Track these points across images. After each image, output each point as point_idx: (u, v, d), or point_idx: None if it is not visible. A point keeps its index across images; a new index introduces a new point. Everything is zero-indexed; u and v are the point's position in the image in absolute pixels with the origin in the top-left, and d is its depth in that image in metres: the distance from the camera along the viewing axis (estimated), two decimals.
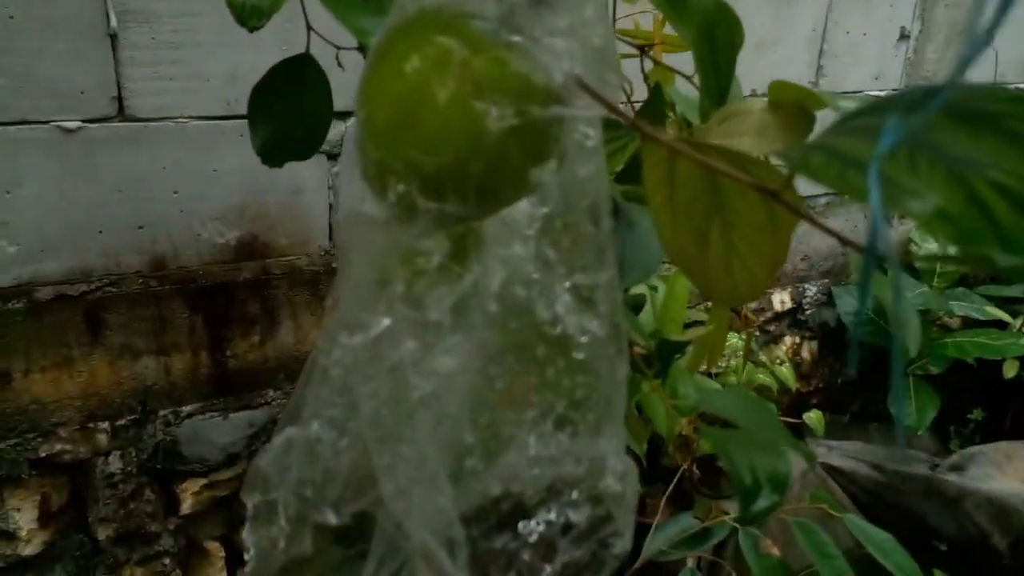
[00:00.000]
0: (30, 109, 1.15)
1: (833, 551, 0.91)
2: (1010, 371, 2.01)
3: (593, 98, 0.22)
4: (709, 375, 1.65)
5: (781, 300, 2.00)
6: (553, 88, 0.21)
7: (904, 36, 2.00)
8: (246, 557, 0.28)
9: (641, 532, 1.07)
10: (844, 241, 0.20)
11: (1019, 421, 2.17)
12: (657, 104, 0.48)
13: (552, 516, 0.25)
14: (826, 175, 0.17)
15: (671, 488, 1.09)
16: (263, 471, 0.29)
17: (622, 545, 0.26)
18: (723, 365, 1.63)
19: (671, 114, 0.72)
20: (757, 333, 1.94)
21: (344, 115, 1.30)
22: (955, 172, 0.17)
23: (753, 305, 1.95)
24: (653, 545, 0.98)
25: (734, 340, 1.68)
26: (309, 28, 0.48)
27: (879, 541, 0.91)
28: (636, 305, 0.68)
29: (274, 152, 0.45)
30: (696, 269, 0.30)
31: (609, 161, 0.44)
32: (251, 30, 0.45)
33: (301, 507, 0.27)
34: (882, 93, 2.01)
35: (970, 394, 2.16)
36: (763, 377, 1.64)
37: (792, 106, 0.39)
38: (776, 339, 2.01)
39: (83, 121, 1.19)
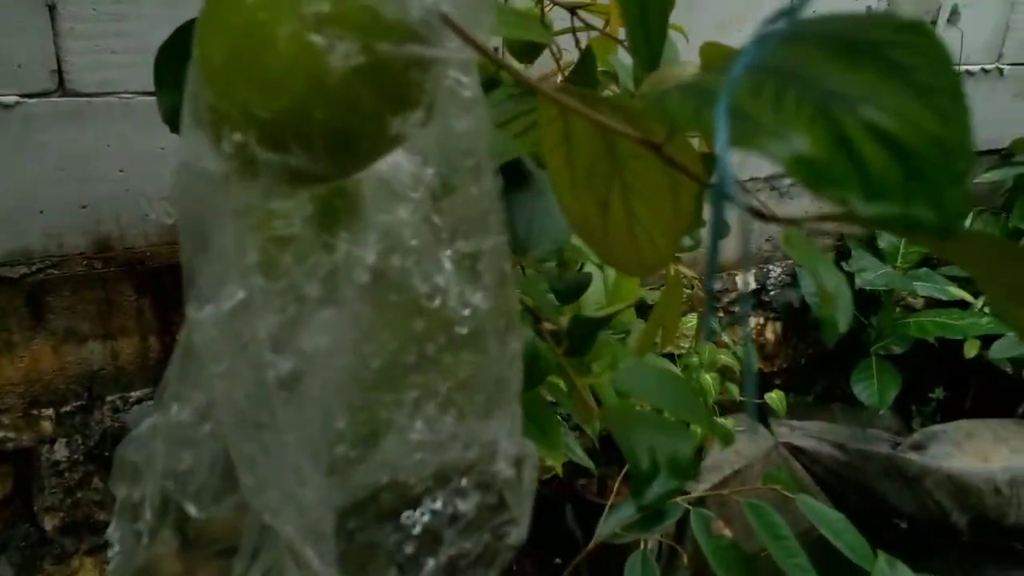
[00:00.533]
0: None
1: (785, 532, 0.90)
2: (971, 351, 2.03)
3: (462, 39, 0.19)
4: (671, 357, 1.64)
5: (744, 281, 2.00)
6: (410, 25, 0.19)
7: None
8: (110, 554, 0.26)
9: (598, 513, 1.06)
10: (698, 179, 0.18)
11: (980, 400, 2.19)
12: (588, 68, 0.46)
13: (438, 505, 0.23)
14: (682, 115, 0.15)
15: (626, 469, 1.08)
16: (129, 460, 0.27)
17: (518, 534, 0.24)
18: (685, 346, 1.63)
19: (614, 86, 0.70)
20: (721, 314, 1.94)
21: None
22: (823, 109, 0.15)
23: (716, 286, 1.94)
24: (606, 527, 0.97)
25: (695, 322, 1.68)
26: None
27: (831, 521, 0.90)
28: (582, 284, 0.66)
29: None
30: (598, 238, 0.28)
31: (532, 132, 0.42)
32: None
33: (164, 500, 0.25)
34: None
35: (932, 373, 2.18)
36: (725, 358, 1.63)
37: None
38: (740, 320, 2.01)
39: (21, 96, 1.14)
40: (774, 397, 1.70)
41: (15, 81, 1.13)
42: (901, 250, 2.12)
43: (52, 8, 1.13)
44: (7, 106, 1.13)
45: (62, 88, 1.17)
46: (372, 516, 0.23)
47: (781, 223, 0.21)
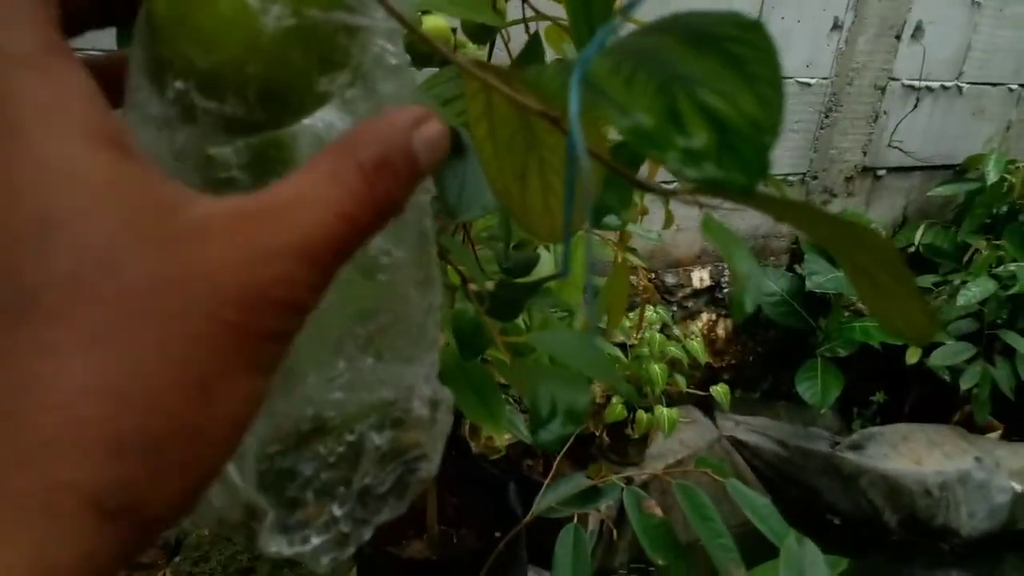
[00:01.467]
0: None
1: (712, 515, 0.94)
2: (912, 357, 2.11)
3: (386, 10, 0.22)
4: (624, 348, 1.68)
5: (700, 277, 2.05)
6: None
7: (837, 26, 2.05)
8: None
9: (537, 488, 1.09)
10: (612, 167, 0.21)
11: (918, 405, 2.27)
12: (534, 55, 0.49)
13: (353, 438, 0.24)
14: (551, 87, 0.18)
15: (564, 449, 1.12)
16: None
17: (428, 469, 0.26)
18: (638, 337, 1.67)
19: None
20: (675, 308, 1.98)
21: None
22: (666, 88, 0.18)
23: (672, 280, 1.99)
24: (544, 501, 1.00)
25: (650, 313, 1.72)
26: None
27: (757, 506, 0.94)
28: (530, 263, 0.69)
29: None
30: (518, 207, 0.31)
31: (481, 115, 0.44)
32: None
33: None
34: (812, 81, 2.06)
35: (874, 377, 2.25)
36: (674, 350, 1.68)
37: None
38: (693, 315, 2.06)
39: None
40: (719, 390, 1.75)
41: None
42: None
43: None
44: None
45: None
46: (292, 443, 0.24)
47: (656, 192, 0.24)
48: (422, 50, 0.43)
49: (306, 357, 0.24)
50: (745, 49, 0.19)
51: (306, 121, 0.23)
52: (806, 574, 0.77)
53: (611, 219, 0.44)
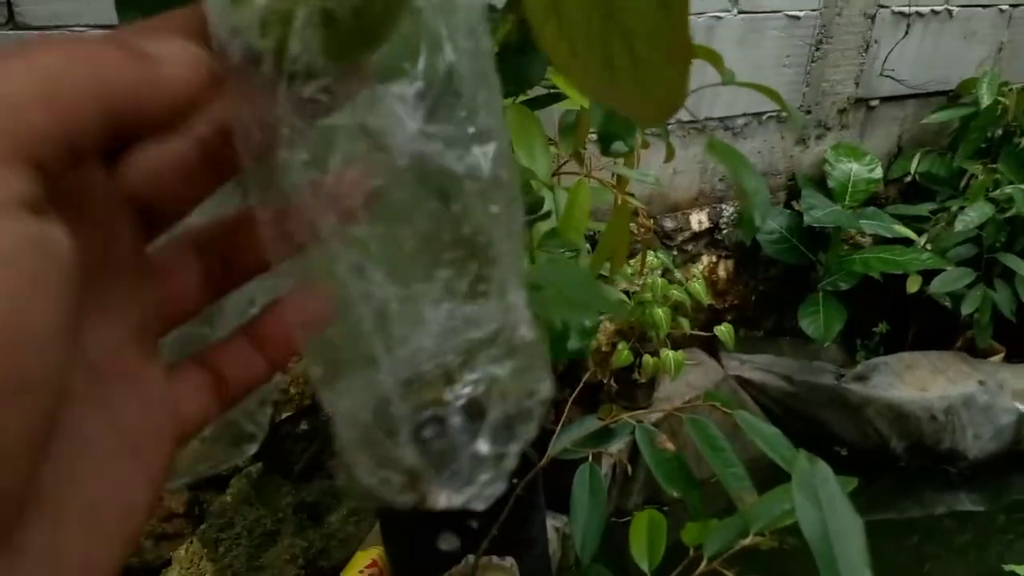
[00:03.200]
0: None
1: (723, 445, 0.96)
2: (913, 286, 2.12)
3: None
4: (627, 294, 1.69)
5: (699, 220, 2.05)
6: None
7: None
8: None
9: (550, 436, 1.11)
10: None
11: (921, 333, 2.29)
12: None
13: (476, 376, 0.24)
14: None
15: (574, 395, 1.13)
16: None
17: (545, 388, 0.25)
18: (640, 283, 1.68)
19: None
20: (675, 253, 1.99)
21: None
22: None
23: (670, 224, 2.00)
24: (558, 444, 1.02)
25: (651, 258, 1.72)
26: None
27: (767, 435, 0.96)
28: (535, 205, 0.69)
29: None
30: (613, 95, 0.29)
31: None
32: None
33: None
34: (801, 14, 2.03)
35: (876, 308, 2.27)
36: (677, 293, 1.69)
37: None
38: (694, 258, 2.07)
39: None
40: (723, 330, 1.77)
41: None
42: (849, 189, 2.19)
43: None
44: None
45: (12, 21, 1.16)
46: (422, 399, 0.24)
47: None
48: None
49: (406, 313, 0.23)
50: None
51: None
52: (819, 491, 0.79)
53: (618, 145, 0.44)
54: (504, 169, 0.24)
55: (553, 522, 1.49)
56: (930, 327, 2.27)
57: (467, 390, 0.24)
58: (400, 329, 0.23)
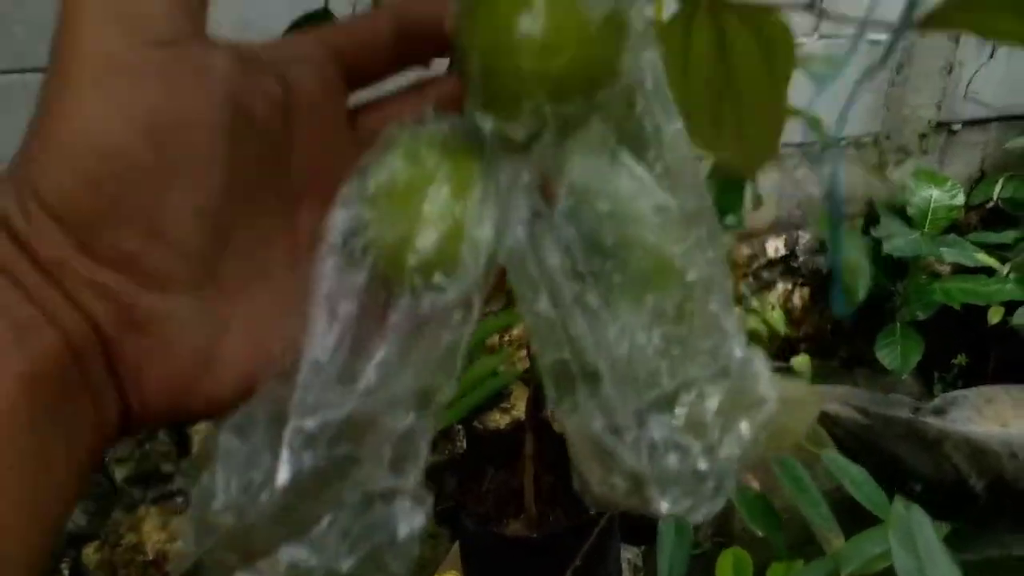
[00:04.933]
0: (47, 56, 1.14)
1: (808, 485, 0.96)
2: (995, 317, 2.06)
3: None
4: None
5: (775, 247, 2.03)
6: None
7: None
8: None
9: None
10: None
11: (1001, 366, 2.22)
12: None
13: (692, 397, 0.26)
14: None
15: None
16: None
17: (769, 408, 0.27)
18: None
19: None
20: (751, 279, 1.97)
21: None
22: None
23: (747, 251, 1.98)
24: None
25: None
26: None
27: (853, 475, 0.96)
28: None
29: None
30: (718, 146, 0.33)
31: None
32: None
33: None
34: (882, 38, 1.99)
35: (955, 340, 2.21)
36: (754, 323, 1.68)
37: None
38: (769, 285, 2.04)
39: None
40: (801, 361, 1.75)
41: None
42: (929, 216, 2.14)
43: None
44: None
45: None
46: (647, 414, 0.26)
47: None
48: None
49: (624, 337, 0.25)
50: None
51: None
52: (916, 539, 0.78)
53: (730, 219, 0.45)
54: (700, 197, 0.26)
55: (624, 553, 1.49)
56: (1011, 360, 2.20)
57: (685, 408, 0.26)
58: (619, 350, 0.25)
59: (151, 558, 1.37)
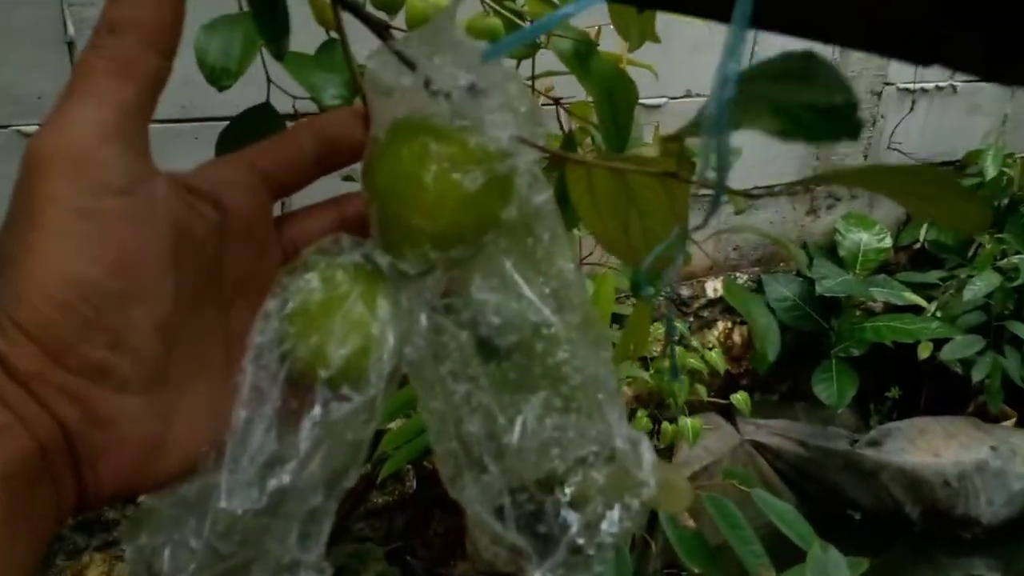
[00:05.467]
0: None
1: (741, 523, 1.02)
2: (924, 352, 2.17)
3: (532, 147, 0.29)
4: (645, 360, 1.76)
5: (714, 288, 2.12)
6: (503, 149, 0.28)
7: None
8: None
9: None
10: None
11: (933, 399, 2.33)
12: (570, 147, 0.57)
13: (579, 478, 0.30)
14: (694, 131, 0.26)
15: None
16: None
17: (648, 492, 0.31)
18: (656, 351, 1.74)
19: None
20: (691, 319, 2.05)
21: None
22: (776, 103, 0.25)
23: (687, 292, 2.07)
24: None
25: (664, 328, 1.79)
26: (269, 80, 0.56)
27: (782, 512, 1.02)
28: None
29: None
30: (625, 250, 0.39)
31: None
32: (220, 90, 0.52)
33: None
34: None
35: (888, 374, 2.31)
36: (694, 361, 1.75)
37: (676, 154, 0.49)
38: (709, 324, 2.13)
39: (41, 126, 1.23)
40: (739, 398, 1.82)
41: (36, 112, 1.22)
42: (860, 258, 2.25)
43: (71, 44, 1.22)
44: (28, 135, 1.22)
45: None
46: (533, 491, 0.30)
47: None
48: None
49: (526, 420, 0.30)
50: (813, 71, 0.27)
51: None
52: None
53: (647, 290, 0.52)
54: (586, 313, 0.31)
55: None
56: (942, 392, 2.31)
57: (571, 489, 0.30)
58: (507, 439, 0.30)
59: None
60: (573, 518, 0.30)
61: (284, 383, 0.28)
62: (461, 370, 0.30)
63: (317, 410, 0.28)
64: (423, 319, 0.30)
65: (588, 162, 0.34)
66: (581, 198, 0.37)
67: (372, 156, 0.29)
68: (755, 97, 0.26)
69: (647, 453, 0.32)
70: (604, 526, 0.30)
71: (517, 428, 0.30)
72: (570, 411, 0.30)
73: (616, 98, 0.53)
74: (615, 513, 0.30)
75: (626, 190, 0.37)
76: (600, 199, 0.37)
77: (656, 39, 0.53)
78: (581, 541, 0.29)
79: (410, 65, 0.28)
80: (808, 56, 0.27)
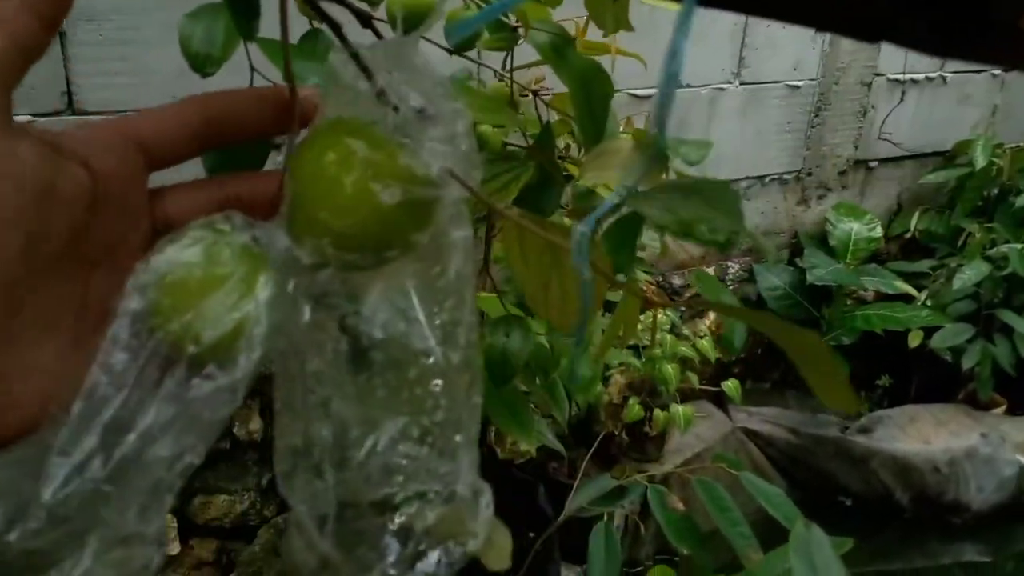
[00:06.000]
0: None
1: (729, 505, 1.03)
2: (914, 341, 2.19)
3: (462, 185, 0.29)
4: (636, 348, 1.77)
5: None
6: (430, 176, 0.28)
7: None
8: None
9: (568, 492, 1.18)
10: None
11: (923, 387, 2.35)
12: (547, 140, 0.58)
13: (412, 510, 0.30)
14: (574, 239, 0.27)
15: (591, 451, 1.21)
16: None
17: (474, 544, 0.31)
18: (648, 340, 1.75)
19: (570, 142, 0.83)
20: (683, 308, 2.07)
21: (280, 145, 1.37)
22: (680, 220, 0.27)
23: (678, 282, 2.08)
24: (575, 502, 1.09)
25: (662, 317, 1.80)
26: (252, 68, 0.57)
27: (769, 494, 1.03)
28: None
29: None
30: (542, 307, 0.41)
31: (508, 188, 0.54)
32: (204, 76, 0.53)
33: None
34: (800, 83, 2.14)
35: (879, 362, 2.33)
36: (685, 350, 1.77)
37: (651, 145, 0.50)
38: (700, 314, 2.15)
39: (33, 115, 1.23)
40: (730, 385, 1.84)
41: (28, 102, 1.22)
42: (851, 247, 2.27)
43: (62, 35, 1.22)
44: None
45: (71, 107, 1.27)
46: (364, 512, 0.30)
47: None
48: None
49: (381, 439, 0.30)
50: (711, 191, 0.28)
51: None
52: (814, 555, 0.86)
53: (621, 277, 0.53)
54: (470, 354, 0.31)
55: (566, 572, 1.55)
56: (932, 380, 2.33)
57: (401, 520, 0.29)
58: (354, 452, 0.30)
59: None
60: (394, 548, 0.29)
61: (150, 354, 0.27)
62: (329, 373, 0.30)
63: (178, 385, 0.27)
64: (306, 312, 0.30)
65: (514, 219, 0.34)
66: (512, 245, 0.39)
67: (306, 140, 0.29)
68: (668, 202, 0.28)
69: (486, 508, 0.31)
70: (420, 565, 0.30)
71: (367, 444, 0.30)
72: (425, 444, 0.30)
73: (592, 90, 0.55)
74: (436, 554, 0.30)
75: (552, 250, 0.38)
76: (528, 251, 0.39)
77: (630, 28, 0.54)
78: (393, 573, 0.29)
79: (367, 73, 0.29)
80: (725, 185, 0.30)
